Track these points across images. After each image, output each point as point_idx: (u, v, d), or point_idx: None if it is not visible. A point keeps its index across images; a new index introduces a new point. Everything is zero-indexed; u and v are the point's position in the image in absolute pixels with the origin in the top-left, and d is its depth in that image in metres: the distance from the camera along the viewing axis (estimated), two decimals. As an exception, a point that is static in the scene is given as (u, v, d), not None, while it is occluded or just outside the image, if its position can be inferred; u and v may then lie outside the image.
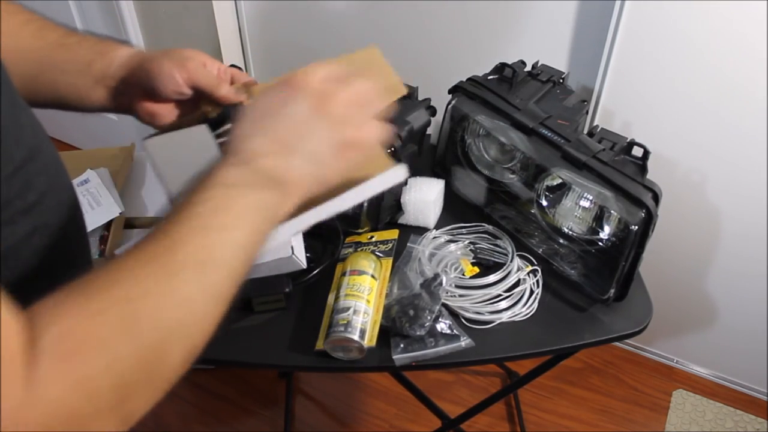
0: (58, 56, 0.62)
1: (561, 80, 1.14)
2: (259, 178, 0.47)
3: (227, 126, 0.64)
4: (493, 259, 1.02)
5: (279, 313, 0.95)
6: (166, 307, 0.39)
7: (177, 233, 0.42)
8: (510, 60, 1.11)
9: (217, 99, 0.63)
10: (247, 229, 0.45)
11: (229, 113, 0.62)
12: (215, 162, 0.47)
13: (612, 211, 0.94)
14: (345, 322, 0.86)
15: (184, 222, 0.42)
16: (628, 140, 0.98)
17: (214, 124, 0.64)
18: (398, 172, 0.59)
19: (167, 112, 0.65)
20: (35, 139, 0.53)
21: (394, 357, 0.88)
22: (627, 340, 1.73)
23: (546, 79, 1.11)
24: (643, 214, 0.88)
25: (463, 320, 0.94)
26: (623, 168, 0.93)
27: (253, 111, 0.50)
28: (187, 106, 0.66)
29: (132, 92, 0.64)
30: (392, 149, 0.99)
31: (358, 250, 1.02)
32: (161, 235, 0.42)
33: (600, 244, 0.98)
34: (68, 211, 0.57)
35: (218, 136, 0.63)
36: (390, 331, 0.90)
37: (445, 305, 0.94)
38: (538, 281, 0.98)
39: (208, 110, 0.64)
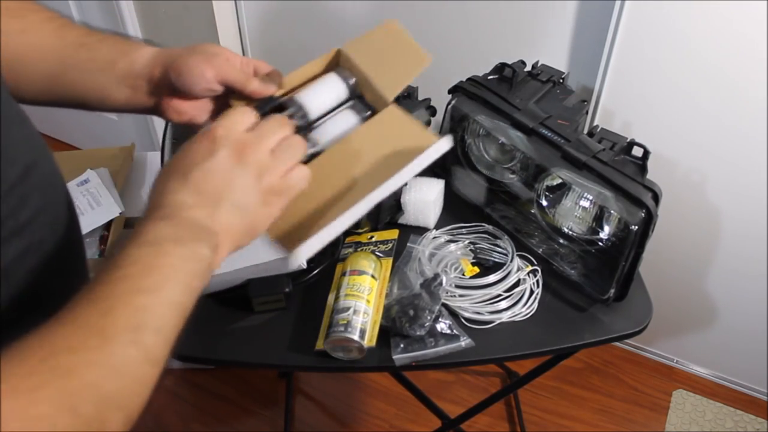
0: (80, 55, 0.61)
1: (561, 80, 1.13)
2: (186, 232, 0.46)
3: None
4: (493, 259, 1.02)
5: (279, 313, 0.95)
6: (106, 376, 0.39)
7: (110, 297, 0.41)
8: (510, 60, 1.11)
9: (247, 94, 0.62)
10: (179, 287, 0.44)
11: (265, 105, 0.62)
12: (140, 220, 0.47)
13: (612, 211, 0.94)
14: (345, 322, 0.86)
15: (116, 284, 0.42)
16: (628, 140, 0.98)
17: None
18: (444, 143, 0.59)
19: (196, 110, 0.64)
20: (32, 153, 0.52)
21: (394, 357, 0.88)
22: (627, 340, 1.73)
23: (546, 79, 1.11)
24: (643, 214, 0.88)
25: (463, 320, 0.94)
26: (623, 168, 0.93)
27: (175, 164, 0.50)
28: (215, 102, 0.65)
29: (158, 91, 0.62)
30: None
31: (358, 250, 1.02)
32: (94, 298, 0.41)
33: (600, 244, 0.98)
34: (63, 228, 0.55)
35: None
36: (390, 331, 0.90)
37: (445, 305, 0.94)
38: (538, 281, 0.98)
39: (237, 104, 0.64)
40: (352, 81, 0.64)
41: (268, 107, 0.60)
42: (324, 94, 0.64)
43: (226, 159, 0.49)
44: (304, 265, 0.94)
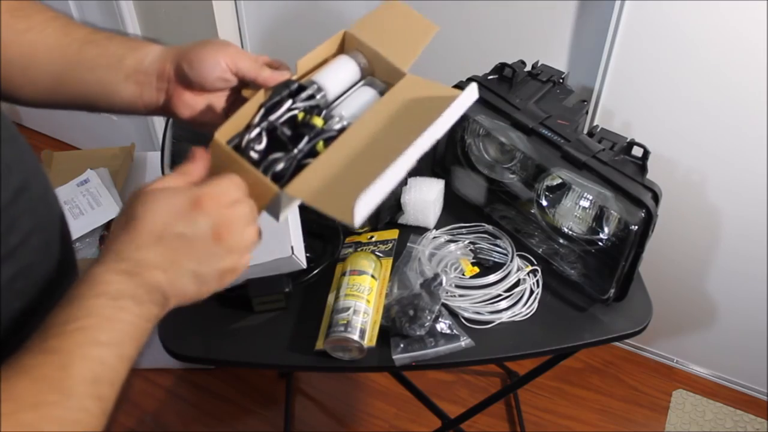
0: (86, 53, 0.60)
1: (561, 80, 1.14)
2: (145, 292, 0.47)
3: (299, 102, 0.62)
4: (493, 259, 1.02)
5: (279, 313, 0.95)
6: (65, 430, 0.39)
7: (66, 349, 0.42)
8: (510, 60, 1.11)
9: (260, 83, 0.61)
10: (133, 343, 0.45)
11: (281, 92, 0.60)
12: (96, 264, 0.47)
13: (612, 211, 0.94)
14: (345, 322, 0.86)
15: (72, 336, 0.42)
16: (628, 140, 0.98)
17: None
18: (472, 91, 0.58)
19: (208, 104, 0.63)
20: (23, 174, 0.51)
21: (394, 357, 0.88)
22: (627, 340, 1.73)
23: (546, 79, 1.11)
24: (643, 214, 0.88)
25: (463, 320, 0.94)
26: (623, 168, 0.93)
27: (150, 217, 0.48)
28: (227, 97, 0.64)
29: (168, 86, 0.61)
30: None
31: (358, 250, 1.02)
32: (50, 349, 0.42)
33: (600, 244, 0.98)
34: (56, 247, 0.55)
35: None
36: (390, 331, 0.90)
37: (445, 305, 0.94)
38: (538, 281, 0.98)
39: (248, 94, 0.63)
40: (364, 62, 0.64)
41: (286, 91, 0.59)
42: (340, 74, 0.63)
43: (205, 233, 0.49)
44: (304, 265, 0.94)
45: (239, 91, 0.63)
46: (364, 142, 0.57)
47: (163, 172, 1.13)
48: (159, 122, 1.96)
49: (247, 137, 0.56)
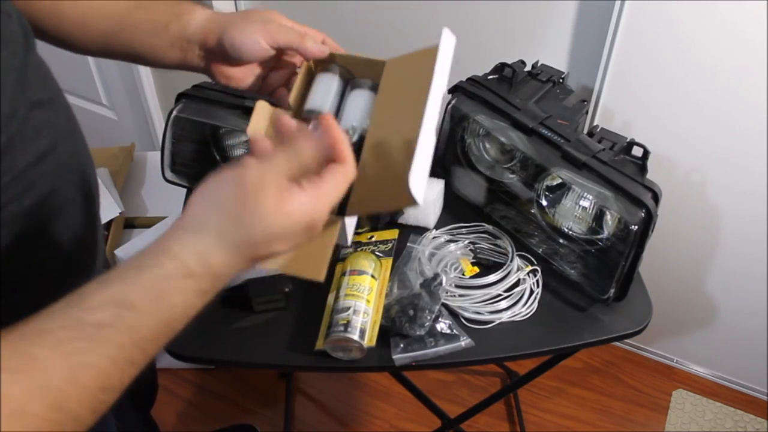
0: (135, 16, 0.63)
1: (561, 80, 1.14)
2: (207, 275, 0.46)
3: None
4: (493, 258, 1.02)
5: (279, 313, 0.95)
6: (83, 365, 0.39)
7: (137, 304, 0.42)
8: (510, 60, 1.11)
9: (304, 54, 0.62)
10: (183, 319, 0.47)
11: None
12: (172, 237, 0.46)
13: (612, 211, 0.94)
14: (345, 322, 0.86)
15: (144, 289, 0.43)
16: (628, 140, 0.98)
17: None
18: (447, 35, 0.58)
19: (245, 75, 0.65)
20: (51, 138, 0.52)
21: (394, 357, 0.88)
22: (627, 340, 1.73)
23: (546, 78, 1.11)
24: (643, 214, 0.88)
25: (463, 320, 0.94)
26: (623, 168, 0.93)
27: (272, 222, 0.46)
28: (263, 66, 0.66)
29: (209, 56, 0.64)
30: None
31: (358, 250, 1.02)
32: (121, 301, 0.42)
33: (600, 243, 0.98)
34: (77, 211, 0.56)
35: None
36: (390, 331, 0.90)
37: (445, 305, 0.94)
38: (537, 281, 0.98)
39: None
40: (341, 69, 0.66)
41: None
42: (329, 92, 0.65)
43: (301, 237, 0.48)
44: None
45: (277, 56, 0.65)
46: (385, 134, 0.57)
47: (163, 172, 1.13)
48: (159, 122, 1.96)
49: None
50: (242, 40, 0.61)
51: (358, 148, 0.58)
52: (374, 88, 0.64)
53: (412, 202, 0.50)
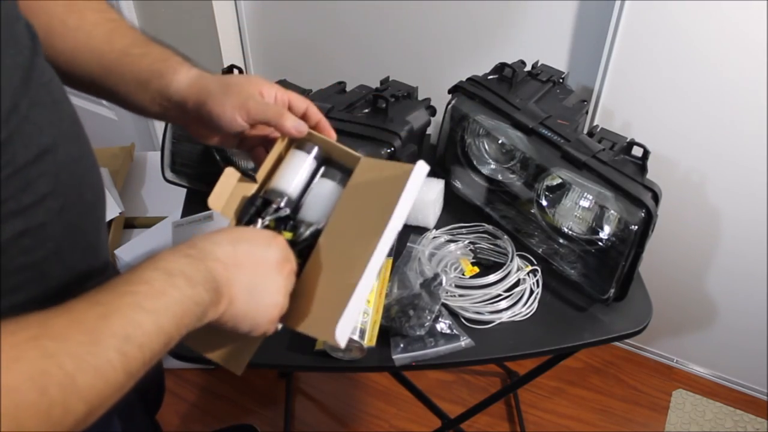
0: (122, 66, 0.64)
1: (561, 80, 1.14)
2: (200, 276, 0.49)
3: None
4: (492, 258, 1.02)
5: (279, 313, 0.95)
6: (82, 370, 0.40)
7: (111, 305, 0.43)
8: (510, 60, 1.11)
9: (281, 131, 0.65)
10: (174, 320, 0.46)
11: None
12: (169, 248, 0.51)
13: (612, 211, 0.94)
14: (345, 322, 0.86)
15: (122, 297, 0.44)
16: (628, 140, 0.98)
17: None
18: (421, 167, 0.60)
19: (223, 139, 0.68)
20: (52, 137, 0.52)
21: (394, 357, 0.88)
22: (627, 340, 1.73)
23: (546, 79, 1.12)
24: (643, 214, 0.88)
25: (463, 320, 0.94)
26: (623, 168, 0.93)
27: (235, 232, 0.56)
28: (240, 133, 0.67)
29: (189, 118, 0.66)
30: (392, 149, 0.99)
31: (358, 250, 1.01)
32: (96, 301, 0.43)
33: (600, 244, 0.98)
34: (73, 215, 0.56)
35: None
36: (390, 331, 0.90)
37: (445, 305, 0.94)
38: (537, 281, 0.98)
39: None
40: (314, 150, 0.67)
41: (254, 209, 0.63)
42: (299, 172, 0.66)
43: (273, 260, 0.55)
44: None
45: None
46: (336, 254, 0.60)
47: (163, 172, 1.14)
48: (159, 123, 1.96)
49: None
50: (219, 115, 0.63)
51: (308, 245, 0.61)
52: (343, 182, 0.65)
53: (335, 343, 0.54)
